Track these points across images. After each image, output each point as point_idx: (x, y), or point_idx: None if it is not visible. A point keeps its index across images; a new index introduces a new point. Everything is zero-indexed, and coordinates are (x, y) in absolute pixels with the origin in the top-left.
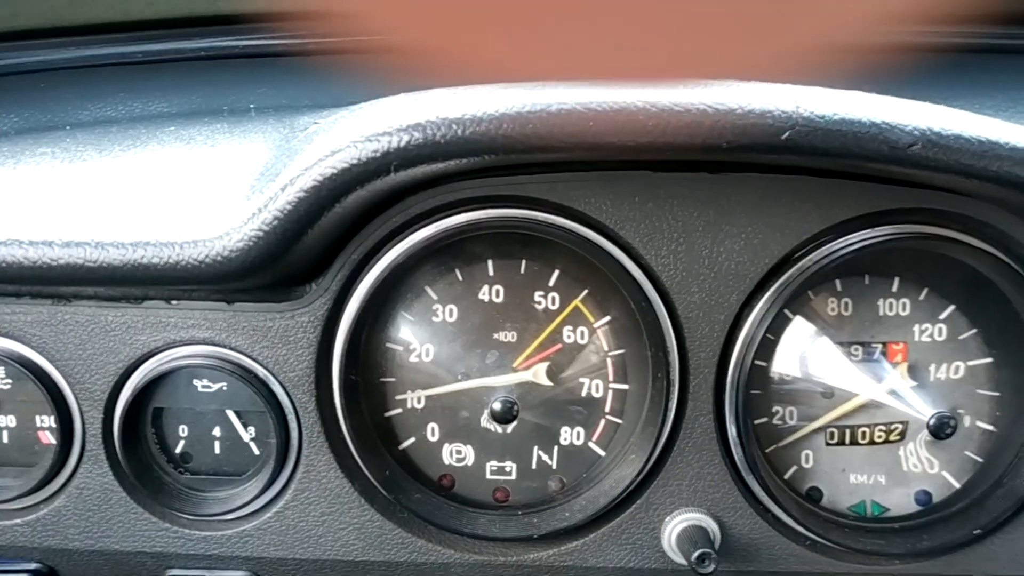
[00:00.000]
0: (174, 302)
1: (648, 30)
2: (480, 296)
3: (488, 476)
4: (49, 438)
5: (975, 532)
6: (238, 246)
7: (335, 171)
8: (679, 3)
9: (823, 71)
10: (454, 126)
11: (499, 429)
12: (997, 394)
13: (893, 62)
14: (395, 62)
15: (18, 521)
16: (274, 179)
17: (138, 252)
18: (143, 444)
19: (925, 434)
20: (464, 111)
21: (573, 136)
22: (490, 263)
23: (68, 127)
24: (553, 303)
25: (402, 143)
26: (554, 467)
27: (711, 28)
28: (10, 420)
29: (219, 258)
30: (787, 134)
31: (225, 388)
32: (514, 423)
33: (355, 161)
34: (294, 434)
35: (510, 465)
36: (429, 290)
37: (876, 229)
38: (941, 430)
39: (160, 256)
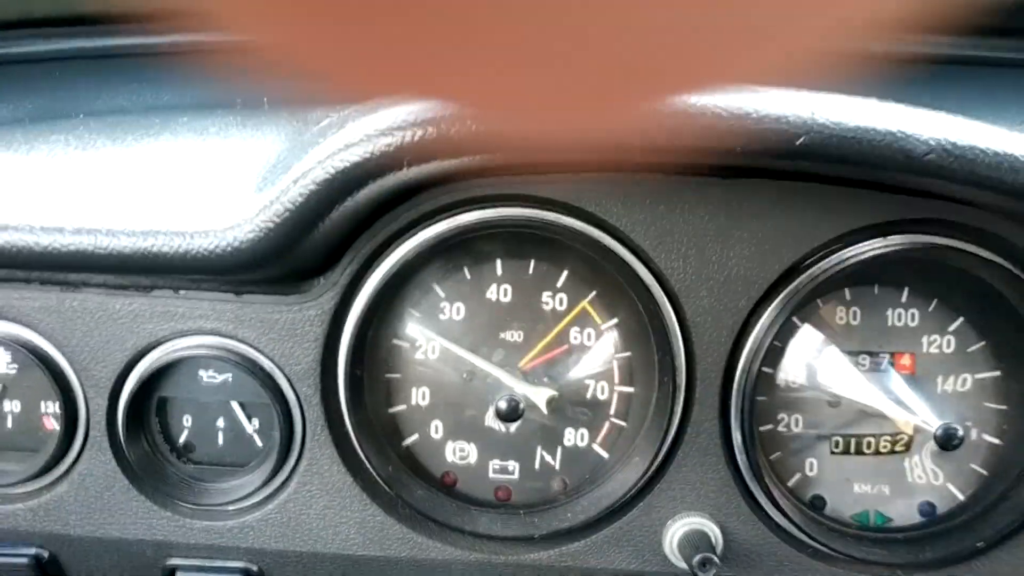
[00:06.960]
0: (182, 292)
1: (652, 37)
2: (488, 295)
3: (491, 475)
4: (53, 424)
5: (978, 545)
6: (248, 237)
7: (348, 164)
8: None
9: (837, 78)
10: (468, 121)
11: (503, 428)
12: (1004, 408)
13: (907, 71)
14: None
15: (20, 506)
16: (286, 171)
17: (148, 240)
18: (147, 433)
19: (931, 445)
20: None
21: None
22: (499, 262)
23: (81, 115)
24: (561, 304)
25: (416, 138)
26: (557, 468)
27: (718, 33)
28: (15, 405)
29: (229, 248)
30: (802, 139)
31: (230, 379)
32: (518, 422)
33: (368, 155)
34: (298, 427)
35: (513, 465)
36: (437, 287)
37: (887, 239)
38: (948, 441)
39: (170, 245)
